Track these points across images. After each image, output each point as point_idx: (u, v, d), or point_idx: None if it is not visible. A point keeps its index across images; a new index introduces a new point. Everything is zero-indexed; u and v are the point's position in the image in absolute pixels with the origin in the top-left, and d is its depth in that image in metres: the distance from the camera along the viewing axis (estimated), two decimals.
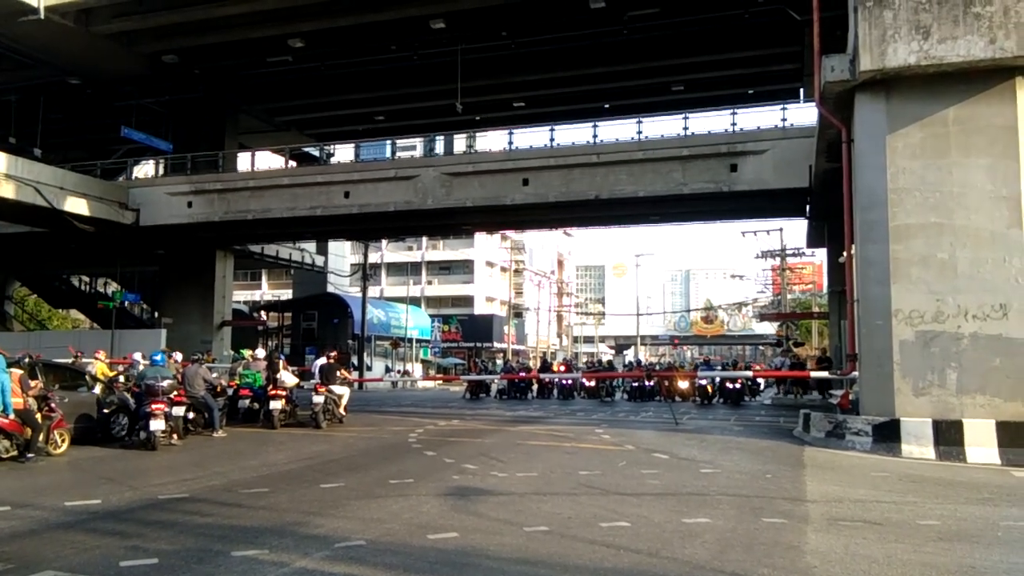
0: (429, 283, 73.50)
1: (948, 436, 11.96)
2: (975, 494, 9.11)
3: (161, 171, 32.96)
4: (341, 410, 17.18)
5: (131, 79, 30.57)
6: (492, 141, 38.01)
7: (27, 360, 12.28)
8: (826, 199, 21.10)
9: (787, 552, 6.25)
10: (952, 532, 7.06)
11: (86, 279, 50.09)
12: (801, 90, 29.54)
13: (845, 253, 15.42)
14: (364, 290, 43.73)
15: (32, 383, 11.60)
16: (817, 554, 6.19)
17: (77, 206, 27.31)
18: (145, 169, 36.72)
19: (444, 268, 74.46)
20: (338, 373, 17.28)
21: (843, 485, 9.50)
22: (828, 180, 19.19)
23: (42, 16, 24.20)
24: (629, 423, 18.43)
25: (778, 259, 45.70)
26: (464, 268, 73.51)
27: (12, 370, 11.26)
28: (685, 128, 25.24)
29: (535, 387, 32.08)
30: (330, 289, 48.65)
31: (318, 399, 16.28)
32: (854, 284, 14.53)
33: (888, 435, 12.41)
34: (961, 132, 12.87)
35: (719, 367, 34.95)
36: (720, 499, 8.46)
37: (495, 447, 13.17)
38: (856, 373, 14.66)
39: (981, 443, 11.79)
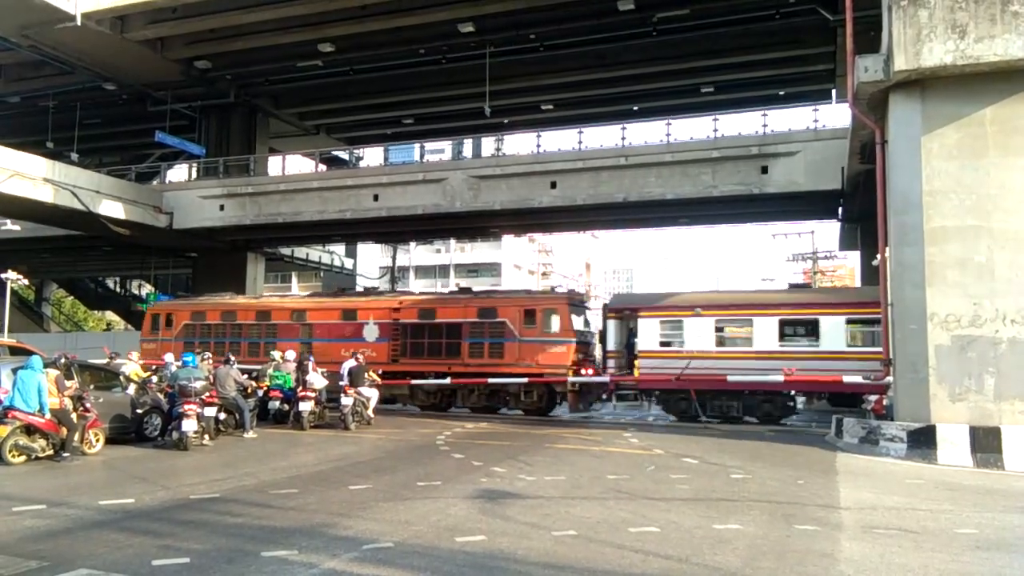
0: (457, 285, 73.68)
1: (985, 443, 11.72)
2: (1014, 502, 8.91)
3: (194, 175, 33.48)
4: (369, 412, 17.26)
5: (164, 84, 31.12)
6: (520, 144, 38.22)
7: (63, 361, 12.48)
8: (859, 201, 20.80)
9: (820, 560, 6.14)
10: (990, 541, 6.91)
11: (121, 281, 51.06)
12: (833, 91, 29.16)
13: (879, 256, 15.16)
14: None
15: (68, 383, 11.81)
16: (851, 562, 6.08)
17: (113, 209, 27.79)
18: (178, 173, 37.34)
19: (472, 271, 74.51)
20: (366, 375, 17.37)
21: (877, 492, 9.33)
22: (861, 182, 18.91)
23: (78, 23, 24.75)
24: (657, 427, 18.29)
25: (810, 262, 45.11)
26: (492, 271, 73.51)
27: (48, 371, 11.49)
28: (715, 130, 25.06)
29: None
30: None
31: (347, 401, 16.36)
32: (888, 288, 14.28)
33: (923, 441, 12.18)
34: (999, 132, 12.60)
35: None
36: (751, 505, 8.35)
37: (523, 450, 13.13)
38: (890, 378, 14.40)
39: (1020, 450, 11.53)
